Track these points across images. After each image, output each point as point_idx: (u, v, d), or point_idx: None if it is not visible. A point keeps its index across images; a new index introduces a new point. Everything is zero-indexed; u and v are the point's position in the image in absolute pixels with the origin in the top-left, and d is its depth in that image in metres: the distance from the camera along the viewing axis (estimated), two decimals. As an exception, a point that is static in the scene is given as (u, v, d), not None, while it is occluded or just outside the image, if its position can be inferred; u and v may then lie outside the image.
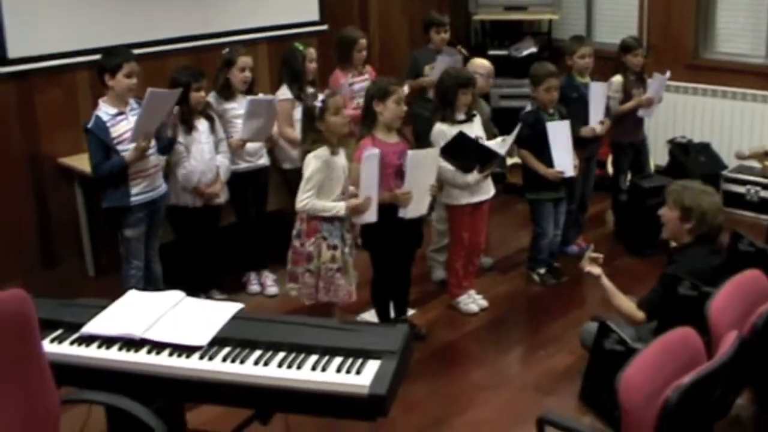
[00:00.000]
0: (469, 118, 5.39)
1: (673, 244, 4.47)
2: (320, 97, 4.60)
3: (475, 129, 5.40)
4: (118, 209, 5.13)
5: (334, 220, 4.58)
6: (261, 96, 5.74)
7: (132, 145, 4.97)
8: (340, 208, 4.55)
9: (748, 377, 3.72)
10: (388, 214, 4.83)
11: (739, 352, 3.19)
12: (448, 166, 5.26)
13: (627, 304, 4.30)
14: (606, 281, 4.39)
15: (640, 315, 4.21)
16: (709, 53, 8.00)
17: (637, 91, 6.57)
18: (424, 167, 4.91)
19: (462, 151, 5.22)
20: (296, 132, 5.63)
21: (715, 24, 7.97)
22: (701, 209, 4.15)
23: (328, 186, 4.58)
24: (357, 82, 6.26)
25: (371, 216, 4.66)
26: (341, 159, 4.63)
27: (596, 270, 4.42)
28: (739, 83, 7.61)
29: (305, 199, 4.56)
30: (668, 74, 6.70)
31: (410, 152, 4.83)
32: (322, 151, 4.56)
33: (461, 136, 5.16)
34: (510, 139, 5.40)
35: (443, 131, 5.28)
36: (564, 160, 5.77)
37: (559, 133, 5.74)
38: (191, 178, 5.39)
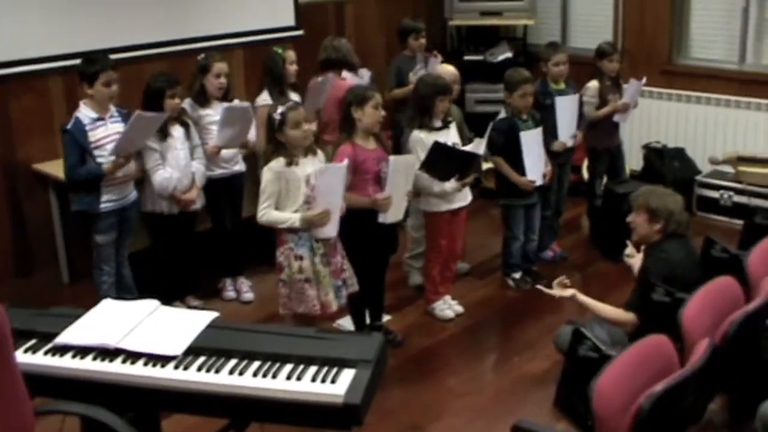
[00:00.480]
0: (446, 125, 5.41)
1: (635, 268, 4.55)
2: (280, 109, 4.54)
3: (451, 136, 5.41)
4: (87, 214, 5.15)
5: (298, 230, 4.54)
6: (236, 103, 5.73)
7: (107, 153, 5.01)
8: (294, 219, 4.48)
9: (721, 384, 3.74)
10: (365, 220, 4.84)
11: (711, 360, 3.22)
12: (424, 174, 5.27)
13: (613, 311, 4.33)
14: (582, 298, 4.43)
15: (630, 317, 4.24)
16: (684, 59, 8.05)
17: (613, 96, 6.61)
18: (404, 173, 4.93)
19: (440, 161, 5.24)
20: None
21: (690, 30, 8.02)
22: (668, 209, 4.24)
23: (287, 197, 4.53)
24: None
25: (331, 230, 4.58)
26: (304, 168, 4.54)
27: (568, 292, 4.47)
28: (713, 89, 7.67)
29: (261, 211, 4.53)
30: (644, 80, 6.75)
31: (392, 157, 4.84)
32: (276, 163, 4.52)
33: (437, 145, 5.18)
34: (483, 142, 5.41)
35: (420, 138, 5.30)
36: (535, 168, 5.80)
37: (531, 142, 5.76)
38: (167, 184, 5.37)
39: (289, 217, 4.50)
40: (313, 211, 4.48)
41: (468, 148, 5.37)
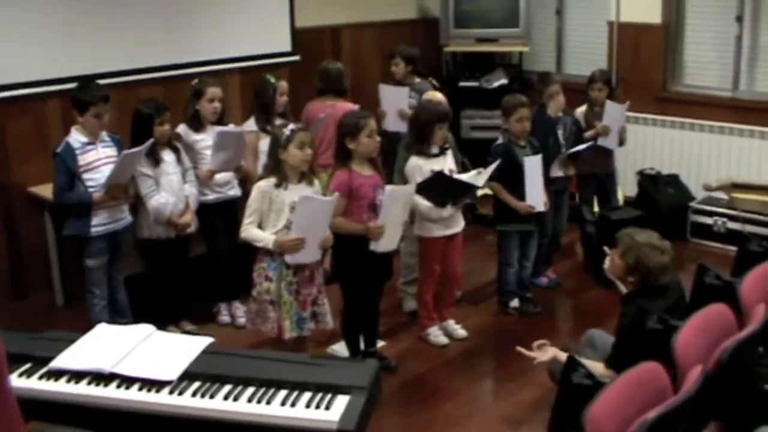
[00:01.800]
0: (442, 152, 5.43)
1: (622, 288, 4.49)
2: (291, 126, 4.59)
3: (448, 162, 5.44)
4: (79, 238, 5.17)
5: (273, 253, 4.56)
6: (230, 128, 5.75)
7: (97, 176, 5.08)
8: (268, 241, 4.51)
9: (714, 410, 3.75)
10: (359, 246, 4.85)
11: (704, 387, 3.22)
12: (423, 201, 5.29)
13: (595, 369, 4.26)
14: (562, 356, 4.38)
15: (611, 374, 4.17)
16: (677, 86, 8.10)
17: (598, 122, 6.67)
18: (401, 203, 4.94)
19: (439, 188, 5.27)
20: (259, 165, 5.64)
21: (683, 57, 8.08)
22: (647, 269, 4.13)
23: (268, 217, 4.57)
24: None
25: (303, 258, 4.57)
26: (291, 194, 4.54)
27: (548, 354, 4.37)
28: (707, 116, 7.72)
29: (244, 227, 4.60)
30: (627, 104, 6.78)
31: (389, 188, 4.85)
32: (265, 182, 4.57)
33: (440, 175, 5.21)
34: (486, 172, 5.43)
35: (419, 165, 5.32)
36: (535, 194, 5.81)
37: (533, 168, 5.77)
38: (164, 209, 5.38)
39: (264, 237, 4.55)
40: (288, 237, 4.50)
41: (467, 177, 5.38)
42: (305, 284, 4.66)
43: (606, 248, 4.58)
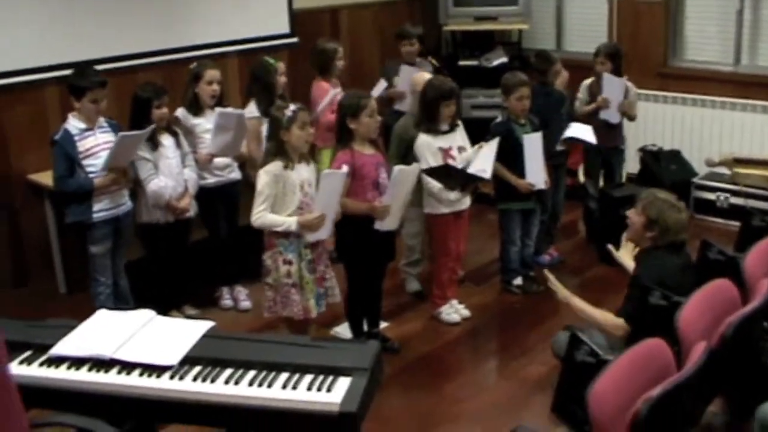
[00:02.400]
0: (452, 129, 5.41)
1: (629, 267, 4.52)
2: (291, 107, 4.55)
3: (458, 139, 5.44)
4: (81, 224, 5.16)
5: (289, 235, 4.53)
6: (230, 109, 5.72)
7: (98, 163, 5.03)
8: (290, 223, 4.49)
9: (719, 386, 3.74)
10: (363, 227, 4.83)
11: (708, 363, 3.21)
12: (431, 181, 5.28)
13: (603, 316, 4.30)
14: (575, 300, 4.41)
15: (620, 323, 4.21)
16: (679, 61, 8.06)
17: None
18: (407, 183, 4.93)
19: (447, 175, 5.26)
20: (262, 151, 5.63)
21: (684, 32, 8.03)
22: (666, 224, 4.16)
23: (282, 200, 4.53)
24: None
25: (323, 234, 4.60)
26: (299, 173, 4.56)
27: (565, 293, 4.46)
28: (709, 91, 7.68)
29: (257, 214, 4.53)
30: (625, 78, 6.73)
31: (397, 167, 4.83)
32: (273, 166, 4.52)
33: (446, 166, 5.22)
34: (490, 157, 5.38)
35: (429, 143, 5.32)
36: (536, 172, 5.79)
37: (533, 146, 5.75)
38: (162, 193, 5.37)
39: (285, 220, 4.51)
40: (311, 215, 4.48)
41: (469, 153, 5.37)
42: (318, 261, 4.67)
43: (610, 247, 4.67)
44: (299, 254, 4.58)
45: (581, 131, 6.26)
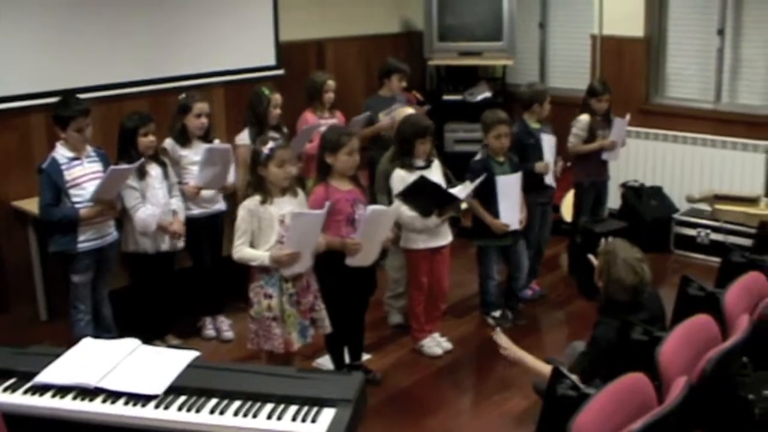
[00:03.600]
0: (428, 165, 5.45)
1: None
2: (270, 144, 4.57)
3: (433, 175, 5.44)
4: (65, 254, 5.15)
5: (269, 269, 4.55)
6: (217, 144, 5.75)
7: (85, 193, 5.05)
8: (264, 258, 4.50)
9: (699, 421, 3.76)
10: (340, 261, 4.85)
11: (689, 398, 3.24)
12: (407, 211, 5.30)
13: (544, 369, 4.24)
14: (527, 359, 4.33)
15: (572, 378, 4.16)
16: (660, 98, 8.16)
17: (602, 132, 6.73)
18: (381, 223, 4.93)
19: (421, 195, 5.28)
20: None
21: (666, 70, 8.14)
22: (608, 278, 4.06)
23: (259, 235, 4.56)
24: (324, 125, 6.27)
25: (299, 268, 4.59)
26: (280, 207, 4.57)
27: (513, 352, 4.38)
28: (690, 128, 7.78)
29: (235, 248, 4.57)
30: (628, 117, 6.85)
31: (371, 207, 4.84)
32: (250, 201, 4.56)
33: (422, 180, 5.22)
34: (470, 186, 5.46)
35: (402, 177, 5.34)
36: (510, 213, 5.84)
37: (508, 187, 5.80)
38: (151, 221, 5.37)
39: (260, 255, 4.53)
40: (282, 251, 4.49)
41: (455, 190, 5.41)
42: (303, 293, 4.67)
43: (590, 256, 4.58)
44: (280, 288, 4.58)
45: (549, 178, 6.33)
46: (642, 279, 4.01)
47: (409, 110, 6.02)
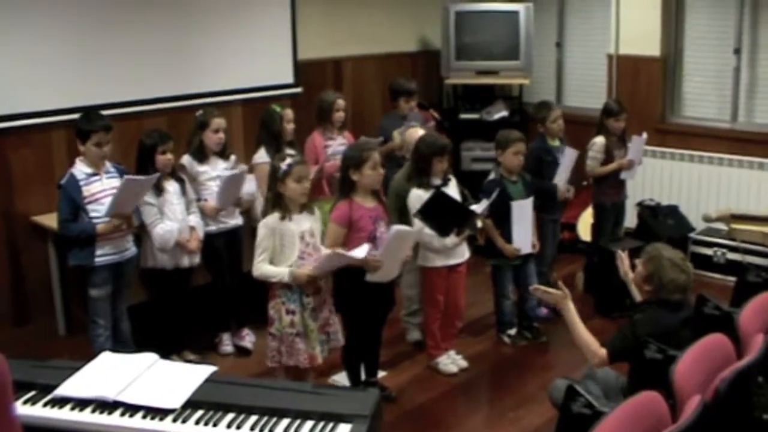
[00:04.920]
0: (445, 183, 5.48)
1: (637, 296, 4.57)
2: (287, 161, 4.63)
3: (450, 193, 5.46)
4: (83, 268, 5.20)
5: (290, 285, 4.60)
6: (234, 171, 5.77)
7: (103, 208, 5.08)
8: (284, 274, 4.55)
9: (713, 441, 3.76)
10: (360, 277, 4.87)
11: (703, 417, 3.25)
12: (426, 230, 5.33)
13: (588, 339, 4.33)
14: (571, 308, 4.44)
15: (602, 353, 4.24)
16: (677, 118, 8.17)
17: (619, 152, 6.73)
18: (404, 242, 4.96)
19: (440, 212, 5.30)
20: None
21: (682, 89, 8.15)
22: (660, 282, 4.19)
23: (281, 252, 4.60)
24: (332, 145, 6.32)
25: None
26: (299, 224, 4.62)
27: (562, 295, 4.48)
28: (706, 147, 7.79)
29: (256, 265, 4.62)
30: (645, 135, 6.84)
31: (396, 227, 4.84)
32: (270, 218, 4.61)
33: (439, 193, 5.25)
34: (486, 202, 5.50)
35: (419, 196, 5.35)
36: (523, 237, 5.89)
37: (522, 211, 5.83)
38: (169, 237, 5.41)
39: (280, 271, 4.57)
40: (303, 270, 4.53)
41: (472, 207, 5.45)
42: (321, 308, 4.72)
43: (620, 251, 4.65)
44: (301, 303, 4.63)
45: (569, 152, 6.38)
46: (689, 276, 4.24)
47: (419, 131, 6.04)
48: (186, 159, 5.76)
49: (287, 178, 4.57)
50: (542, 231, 6.23)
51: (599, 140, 6.73)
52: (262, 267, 4.60)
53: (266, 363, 4.80)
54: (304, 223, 4.63)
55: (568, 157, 6.35)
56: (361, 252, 4.63)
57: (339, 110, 6.50)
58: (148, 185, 5.22)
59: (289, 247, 4.59)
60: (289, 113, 6.11)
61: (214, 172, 5.73)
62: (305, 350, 4.63)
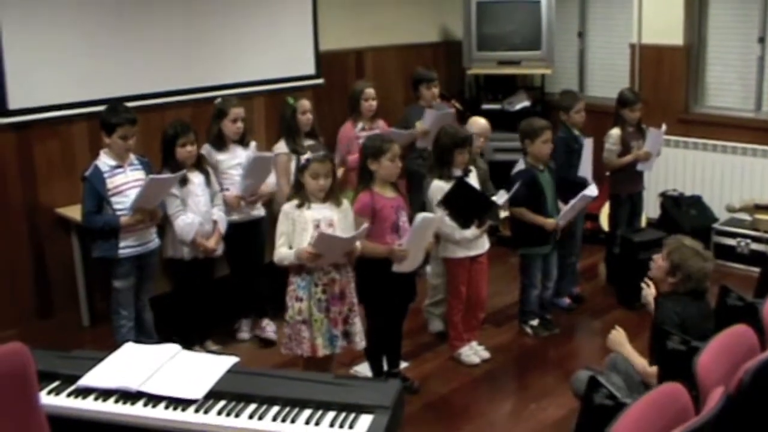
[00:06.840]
0: (466, 174, 5.47)
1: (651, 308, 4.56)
2: (307, 155, 4.68)
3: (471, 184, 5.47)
4: (106, 259, 5.23)
5: (302, 272, 4.62)
6: (262, 153, 5.82)
7: (125, 200, 5.13)
8: (290, 255, 4.58)
9: (737, 432, 3.75)
10: (382, 268, 4.88)
11: (726, 408, 3.23)
12: (447, 221, 5.33)
13: (641, 365, 4.34)
14: (629, 350, 4.43)
15: (653, 371, 4.23)
16: (700, 107, 8.11)
17: (636, 143, 6.68)
18: (428, 230, 4.98)
19: (461, 202, 5.30)
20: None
21: (705, 78, 8.10)
22: (688, 272, 4.21)
23: (294, 238, 4.63)
24: (364, 135, 6.30)
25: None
26: (318, 211, 4.63)
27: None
28: (730, 137, 7.73)
29: (275, 250, 4.67)
30: (664, 127, 6.79)
31: (421, 215, 4.87)
32: (288, 205, 4.68)
33: (461, 182, 5.25)
34: (507, 194, 5.50)
35: (440, 187, 5.35)
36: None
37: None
38: (190, 230, 5.44)
39: (289, 253, 4.60)
40: (304, 247, 4.54)
41: (493, 198, 5.45)
42: (335, 302, 4.70)
43: (646, 285, 4.66)
44: (309, 292, 4.65)
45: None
46: (713, 263, 4.34)
47: (481, 120, 6.10)
48: (205, 148, 5.78)
49: (305, 172, 4.62)
50: (573, 221, 6.21)
51: (615, 132, 6.69)
52: (278, 251, 4.64)
53: (281, 351, 4.83)
54: (324, 212, 4.64)
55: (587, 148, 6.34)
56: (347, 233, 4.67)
57: (368, 100, 6.51)
58: (171, 184, 5.26)
59: (302, 234, 4.61)
60: (304, 104, 6.10)
61: (234, 160, 5.76)
62: (308, 339, 4.64)
